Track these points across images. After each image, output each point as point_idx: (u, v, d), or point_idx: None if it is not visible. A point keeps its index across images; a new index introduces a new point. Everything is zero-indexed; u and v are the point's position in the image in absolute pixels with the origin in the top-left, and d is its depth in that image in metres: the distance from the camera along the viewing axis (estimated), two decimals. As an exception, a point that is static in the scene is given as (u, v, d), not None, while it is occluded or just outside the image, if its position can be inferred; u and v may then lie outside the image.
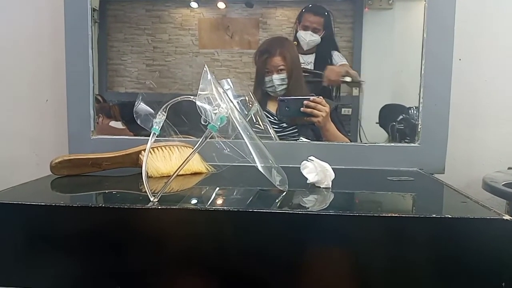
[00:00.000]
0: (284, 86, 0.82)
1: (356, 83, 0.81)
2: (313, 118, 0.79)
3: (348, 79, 0.81)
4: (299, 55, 0.83)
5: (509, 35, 0.84)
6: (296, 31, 0.83)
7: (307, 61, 0.83)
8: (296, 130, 0.82)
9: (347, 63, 0.83)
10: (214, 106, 0.49)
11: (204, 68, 0.50)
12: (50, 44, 0.89)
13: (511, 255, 0.44)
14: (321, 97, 0.79)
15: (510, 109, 0.85)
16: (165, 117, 0.52)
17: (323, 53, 0.84)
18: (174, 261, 0.47)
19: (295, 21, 0.84)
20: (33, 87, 0.91)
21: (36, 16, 0.89)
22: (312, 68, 0.83)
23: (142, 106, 0.56)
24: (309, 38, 0.82)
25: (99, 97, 0.85)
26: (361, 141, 0.82)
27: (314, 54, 0.84)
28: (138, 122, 0.56)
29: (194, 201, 0.54)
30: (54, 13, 0.86)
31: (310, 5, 0.84)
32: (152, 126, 0.51)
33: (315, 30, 0.82)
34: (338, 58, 0.83)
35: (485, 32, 0.84)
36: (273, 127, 0.82)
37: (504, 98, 0.85)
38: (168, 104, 0.51)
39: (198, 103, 0.49)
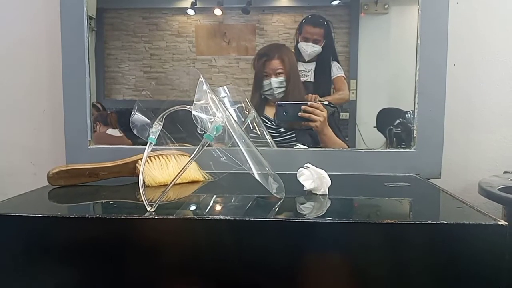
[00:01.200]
0: (282, 89, 0.82)
1: (333, 107, 0.82)
2: (311, 123, 0.79)
3: (326, 102, 0.81)
4: (300, 62, 0.84)
5: (502, 40, 0.85)
6: (297, 42, 0.84)
7: (307, 69, 0.84)
8: (294, 135, 0.83)
9: (343, 75, 0.84)
10: (210, 115, 0.49)
11: (200, 78, 0.51)
12: (46, 54, 0.89)
13: (507, 260, 0.44)
14: (318, 102, 0.79)
15: (505, 113, 0.86)
16: (161, 126, 0.52)
17: (323, 62, 0.84)
18: (172, 271, 0.47)
19: (296, 31, 0.84)
20: (30, 97, 0.91)
21: (32, 26, 0.89)
22: (313, 74, 0.84)
23: (138, 117, 0.56)
24: (310, 49, 0.83)
25: (98, 105, 0.85)
26: (358, 146, 0.82)
27: (314, 63, 0.84)
28: (135, 132, 0.56)
29: (191, 210, 0.54)
30: (51, 23, 0.86)
31: (310, 16, 0.85)
32: (148, 135, 0.52)
33: (315, 41, 0.83)
34: (336, 70, 0.84)
35: (478, 37, 0.85)
36: (271, 132, 0.82)
37: (498, 102, 0.85)
38: (164, 114, 0.51)
39: (193, 112, 0.49)
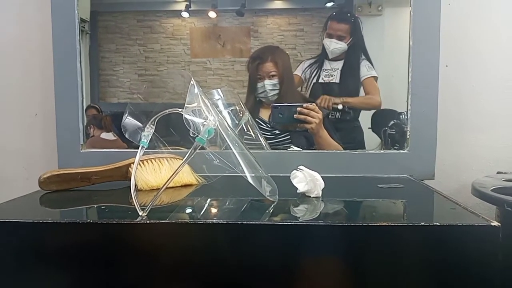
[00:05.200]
0: (276, 92, 0.82)
1: (347, 112, 0.80)
2: (306, 125, 0.79)
3: (340, 106, 0.79)
4: (326, 61, 0.82)
5: (494, 41, 0.85)
6: (323, 39, 0.82)
7: (334, 68, 0.82)
8: (289, 137, 0.83)
9: (374, 75, 0.81)
10: (202, 118, 0.49)
11: (191, 82, 0.50)
12: (38, 57, 0.88)
13: (500, 261, 0.44)
14: (314, 104, 0.79)
15: (498, 114, 0.86)
16: (153, 130, 0.52)
17: (351, 61, 0.82)
18: (165, 276, 0.46)
19: (322, 28, 0.83)
20: (22, 101, 0.90)
21: (24, 29, 0.89)
22: (339, 75, 0.82)
23: (129, 121, 0.56)
24: (333, 46, 0.81)
25: (96, 106, 0.85)
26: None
27: (342, 61, 0.82)
28: (127, 135, 0.56)
29: (184, 214, 0.53)
30: (43, 26, 0.85)
31: (335, 12, 0.83)
32: (140, 139, 0.51)
33: (340, 38, 0.81)
34: (366, 70, 0.81)
35: (470, 38, 0.85)
36: (265, 134, 0.82)
37: (491, 103, 0.86)
38: (156, 117, 0.51)
39: (185, 115, 0.49)
